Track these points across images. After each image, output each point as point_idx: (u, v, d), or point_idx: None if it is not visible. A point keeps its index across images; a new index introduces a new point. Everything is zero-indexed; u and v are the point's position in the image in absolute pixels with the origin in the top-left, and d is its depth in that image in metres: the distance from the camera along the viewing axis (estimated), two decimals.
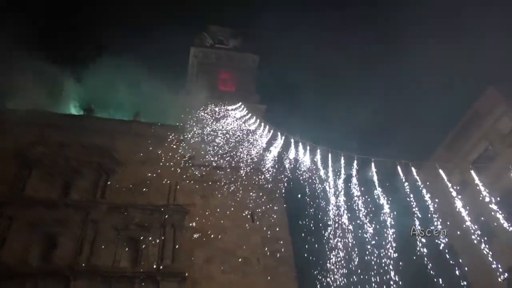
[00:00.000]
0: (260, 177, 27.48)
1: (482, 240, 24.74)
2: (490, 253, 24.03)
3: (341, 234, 23.93)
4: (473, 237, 24.90)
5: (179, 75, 40.82)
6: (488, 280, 25.70)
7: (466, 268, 26.96)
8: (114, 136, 26.00)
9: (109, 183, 23.86)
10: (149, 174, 24.33)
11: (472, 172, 27.48)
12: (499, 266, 23.95)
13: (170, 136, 27.09)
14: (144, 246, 21.67)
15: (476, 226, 25.26)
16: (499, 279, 18.59)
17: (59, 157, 23.91)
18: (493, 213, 24.81)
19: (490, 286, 25.72)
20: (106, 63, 35.61)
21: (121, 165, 24.75)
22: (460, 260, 26.98)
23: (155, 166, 24.79)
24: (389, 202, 24.52)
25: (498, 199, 25.57)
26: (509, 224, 23.90)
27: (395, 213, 24.11)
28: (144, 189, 23.67)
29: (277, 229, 25.34)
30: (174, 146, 26.73)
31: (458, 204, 25.90)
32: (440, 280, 23.23)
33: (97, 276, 19.64)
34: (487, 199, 25.52)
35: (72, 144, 24.68)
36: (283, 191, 27.41)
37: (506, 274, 17.29)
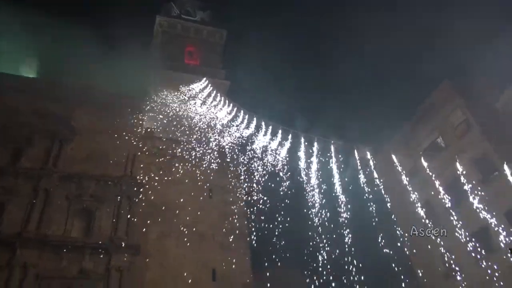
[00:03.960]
0: (219, 153, 27.46)
1: (428, 224, 26.35)
2: (435, 236, 25.69)
3: (296, 212, 24.66)
4: (421, 220, 26.45)
5: (143, 45, 39.55)
6: (427, 259, 27.48)
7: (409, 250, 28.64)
8: (71, 103, 24.97)
9: (63, 152, 23.07)
10: (106, 145, 23.72)
11: (423, 160, 28.94)
12: (441, 249, 25.68)
13: (130, 107, 26.42)
14: (97, 217, 21.27)
15: (423, 210, 26.85)
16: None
17: (11, 123, 22.75)
18: (439, 197, 26.37)
19: (429, 265, 27.53)
20: (63, 27, 33.93)
21: (77, 134, 23.93)
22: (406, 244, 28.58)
23: (112, 137, 24.16)
24: (344, 182, 25.44)
25: (444, 186, 27.15)
26: (452, 210, 25.52)
27: (350, 188, 25.08)
28: (100, 160, 23.09)
29: (234, 206, 25.60)
30: (133, 118, 26.12)
31: (408, 188, 27.32)
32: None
33: (46, 245, 19.15)
34: (435, 185, 27.04)
35: (26, 109, 23.49)
36: (242, 169, 27.60)
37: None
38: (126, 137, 24.66)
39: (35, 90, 25.09)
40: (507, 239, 22.01)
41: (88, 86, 27.10)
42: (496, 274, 22.17)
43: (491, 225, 22.99)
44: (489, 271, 22.34)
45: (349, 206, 25.64)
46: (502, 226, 22.53)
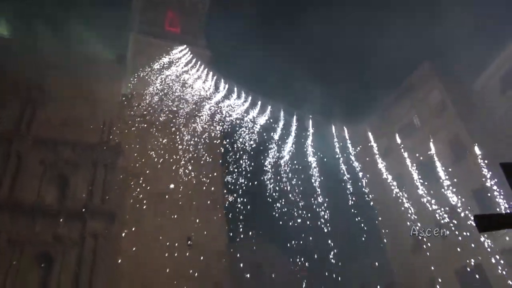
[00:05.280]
0: (198, 123, 27.26)
1: (399, 197, 27.32)
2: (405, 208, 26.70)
3: (274, 184, 25.03)
4: (392, 195, 27.36)
5: (122, 7, 38.03)
6: (398, 232, 28.60)
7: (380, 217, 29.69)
8: (46, 66, 23.95)
9: (36, 116, 22.34)
10: (82, 111, 23.11)
11: (398, 138, 29.63)
12: (408, 223, 26.76)
13: (107, 73, 25.69)
14: (72, 184, 20.96)
15: (396, 186, 27.75)
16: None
17: None
18: (412, 176, 27.24)
19: (398, 239, 28.68)
20: None
21: (52, 98, 23.14)
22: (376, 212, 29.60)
23: (88, 103, 23.55)
24: (320, 156, 25.92)
25: (417, 165, 27.99)
26: (423, 188, 26.44)
27: (325, 161, 25.59)
28: (76, 126, 22.51)
29: (212, 175, 25.69)
30: (112, 84, 25.45)
31: (382, 165, 28.09)
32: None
33: (19, 210, 18.82)
34: (408, 164, 27.86)
35: None
36: (220, 139, 27.57)
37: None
38: (103, 104, 24.07)
39: (5, 51, 23.92)
40: (472, 217, 23.05)
41: (63, 49, 26.06)
42: (458, 249, 23.37)
43: (458, 203, 23.99)
44: (454, 243, 23.49)
45: (323, 179, 26.24)
46: (469, 207, 23.52)
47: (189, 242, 22.44)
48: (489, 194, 22.16)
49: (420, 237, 26.76)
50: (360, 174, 28.92)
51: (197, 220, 23.22)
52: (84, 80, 24.46)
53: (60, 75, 24.00)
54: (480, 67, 26.05)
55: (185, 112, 27.13)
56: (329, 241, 25.24)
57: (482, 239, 22.13)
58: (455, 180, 24.71)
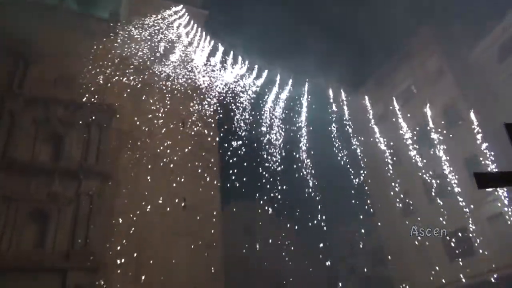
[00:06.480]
0: (194, 85, 26.95)
1: (390, 163, 27.67)
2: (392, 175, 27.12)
3: (268, 147, 25.16)
4: (383, 160, 27.65)
5: None
6: (387, 198, 29.20)
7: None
8: (38, 22, 23.17)
9: (28, 74, 21.88)
10: (75, 69, 22.67)
11: (395, 104, 29.59)
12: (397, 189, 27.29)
13: (100, 30, 25.05)
14: (66, 143, 20.90)
15: (389, 153, 28.01)
16: None
17: None
18: (405, 142, 27.47)
19: (388, 204, 29.32)
20: None
21: (44, 56, 22.57)
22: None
23: (81, 61, 23.08)
24: (316, 120, 25.92)
25: (411, 131, 28.14)
26: (416, 155, 26.74)
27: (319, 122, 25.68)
28: (68, 85, 22.15)
29: (207, 138, 25.72)
30: (106, 42, 24.86)
31: (376, 131, 28.23)
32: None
33: (13, 167, 18.85)
34: (402, 130, 28.00)
35: None
36: (215, 102, 27.36)
37: None
38: (96, 62, 23.62)
39: None
40: (461, 186, 23.48)
41: (55, 5, 25.23)
42: (446, 215, 23.97)
43: (449, 171, 24.37)
44: (442, 210, 24.06)
45: (316, 143, 26.41)
46: (456, 176, 23.87)
47: (183, 204, 22.80)
48: (482, 159, 22.48)
49: (410, 204, 27.33)
50: (353, 137, 29.10)
51: (192, 182, 23.45)
52: (77, 38, 23.89)
53: (51, 32, 23.36)
54: (479, 35, 25.71)
55: (180, 74, 26.72)
56: (318, 205, 25.73)
57: (472, 206, 22.71)
58: (448, 147, 24.99)
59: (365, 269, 36.32)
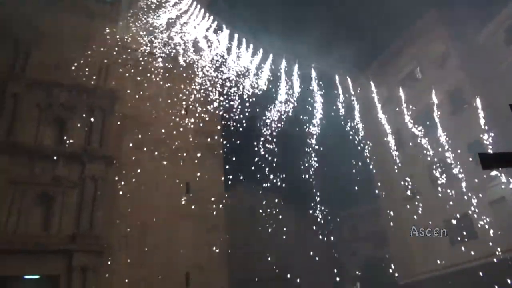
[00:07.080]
0: (197, 69, 26.74)
1: (395, 147, 27.60)
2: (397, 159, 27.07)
3: (271, 131, 25.12)
4: (388, 144, 27.58)
5: None
6: (391, 182, 29.22)
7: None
8: (40, 6, 22.88)
9: (30, 58, 21.70)
10: (77, 53, 22.48)
11: (399, 87, 29.31)
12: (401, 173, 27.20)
13: (102, 14, 24.77)
14: (70, 127, 20.95)
15: (393, 137, 27.93)
16: None
17: None
18: (410, 126, 27.32)
19: (391, 188, 29.37)
20: None
21: (45, 39, 22.35)
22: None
23: (84, 45, 22.88)
24: (320, 102, 25.79)
25: (416, 115, 27.94)
26: (421, 139, 26.61)
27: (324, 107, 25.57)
28: (71, 69, 22.02)
29: (210, 122, 25.68)
30: (108, 26, 24.59)
31: (381, 115, 28.03)
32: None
33: (17, 151, 18.96)
34: (407, 115, 27.82)
35: None
36: (219, 86, 27.21)
37: None
38: (98, 46, 23.40)
39: None
40: (464, 170, 23.40)
41: None
42: (449, 200, 24.00)
43: (452, 156, 24.27)
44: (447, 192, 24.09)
45: (321, 126, 26.34)
46: (459, 161, 23.75)
47: (186, 187, 22.93)
48: (487, 143, 22.35)
49: (412, 191, 27.35)
50: (359, 121, 29.00)
51: (195, 166, 23.53)
52: (78, 21, 23.65)
53: (52, 15, 23.08)
54: (485, 18, 25.26)
55: (183, 59, 26.48)
56: (322, 190, 25.82)
57: (474, 191, 22.69)
58: (451, 132, 24.84)
59: (368, 252, 36.69)
